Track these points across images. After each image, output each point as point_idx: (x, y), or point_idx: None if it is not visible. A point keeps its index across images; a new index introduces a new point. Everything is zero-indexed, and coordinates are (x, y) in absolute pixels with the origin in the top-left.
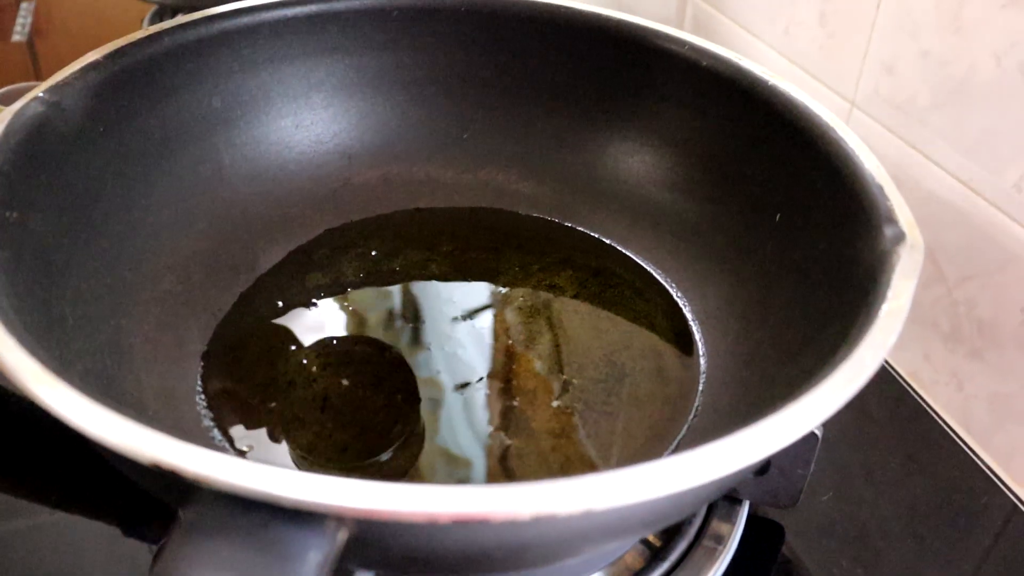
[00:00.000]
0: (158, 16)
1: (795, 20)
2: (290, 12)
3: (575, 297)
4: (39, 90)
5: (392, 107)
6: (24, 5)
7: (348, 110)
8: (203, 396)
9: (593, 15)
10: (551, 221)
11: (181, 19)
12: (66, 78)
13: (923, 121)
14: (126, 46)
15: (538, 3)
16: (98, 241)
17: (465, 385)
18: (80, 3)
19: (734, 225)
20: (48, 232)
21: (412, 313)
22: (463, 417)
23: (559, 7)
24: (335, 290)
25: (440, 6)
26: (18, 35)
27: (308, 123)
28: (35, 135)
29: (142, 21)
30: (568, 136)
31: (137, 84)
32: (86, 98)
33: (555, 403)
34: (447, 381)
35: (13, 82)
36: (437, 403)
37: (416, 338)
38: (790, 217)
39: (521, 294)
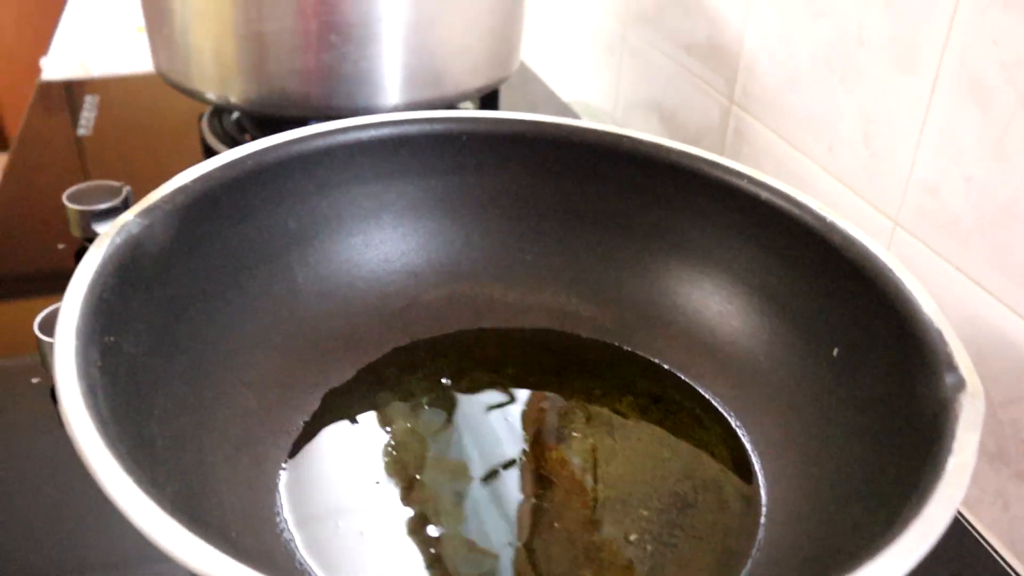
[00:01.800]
0: (216, 115)
1: (839, 138)
2: (365, 136)
3: (637, 423)
4: (132, 213)
5: (458, 228)
6: (88, 98)
7: (416, 230)
8: (283, 518)
9: (652, 145)
10: (612, 345)
11: (262, 143)
12: (157, 201)
13: (967, 244)
14: (213, 170)
15: (600, 131)
16: (181, 359)
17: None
18: (139, 98)
19: (791, 357)
20: (138, 353)
21: (477, 435)
22: (520, 543)
23: (621, 136)
24: (397, 415)
25: (508, 132)
26: (83, 129)
27: (377, 242)
28: (130, 260)
29: (200, 117)
30: (628, 262)
31: (221, 206)
32: (175, 220)
33: (623, 535)
34: (506, 504)
35: (61, 175)
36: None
37: (478, 460)
38: (848, 353)
39: (584, 419)
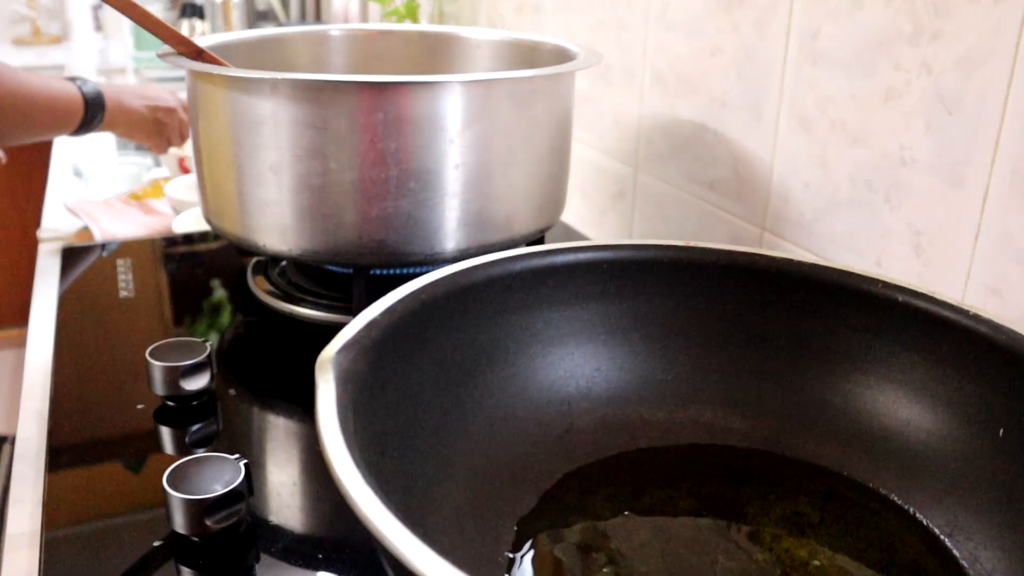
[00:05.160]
0: (259, 270)
1: (888, 253)
2: (519, 267)
3: (821, 521)
4: (333, 349)
5: (603, 352)
6: (120, 262)
7: (563, 357)
8: None
9: (785, 261)
10: (767, 452)
11: (433, 276)
12: (355, 336)
13: None
14: (396, 303)
15: (732, 251)
16: (392, 498)
17: None
18: (169, 259)
19: (953, 444)
20: None
21: (688, 549)
22: None
23: (754, 255)
24: (597, 537)
25: (644, 258)
26: (125, 292)
27: (528, 372)
28: (348, 391)
29: (241, 272)
30: (769, 372)
31: (402, 340)
32: (371, 354)
33: None
34: None
35: (114, 338)
36: None
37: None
38: (1015, 431)
39: (772, 522)
